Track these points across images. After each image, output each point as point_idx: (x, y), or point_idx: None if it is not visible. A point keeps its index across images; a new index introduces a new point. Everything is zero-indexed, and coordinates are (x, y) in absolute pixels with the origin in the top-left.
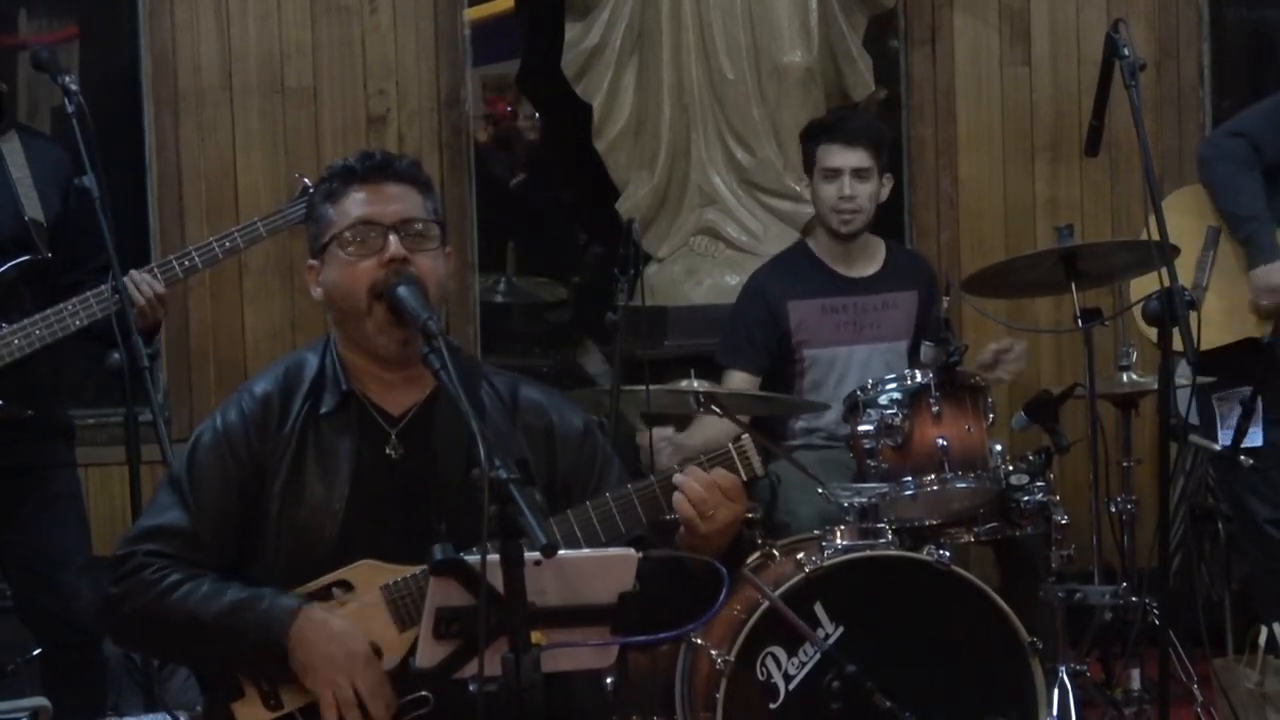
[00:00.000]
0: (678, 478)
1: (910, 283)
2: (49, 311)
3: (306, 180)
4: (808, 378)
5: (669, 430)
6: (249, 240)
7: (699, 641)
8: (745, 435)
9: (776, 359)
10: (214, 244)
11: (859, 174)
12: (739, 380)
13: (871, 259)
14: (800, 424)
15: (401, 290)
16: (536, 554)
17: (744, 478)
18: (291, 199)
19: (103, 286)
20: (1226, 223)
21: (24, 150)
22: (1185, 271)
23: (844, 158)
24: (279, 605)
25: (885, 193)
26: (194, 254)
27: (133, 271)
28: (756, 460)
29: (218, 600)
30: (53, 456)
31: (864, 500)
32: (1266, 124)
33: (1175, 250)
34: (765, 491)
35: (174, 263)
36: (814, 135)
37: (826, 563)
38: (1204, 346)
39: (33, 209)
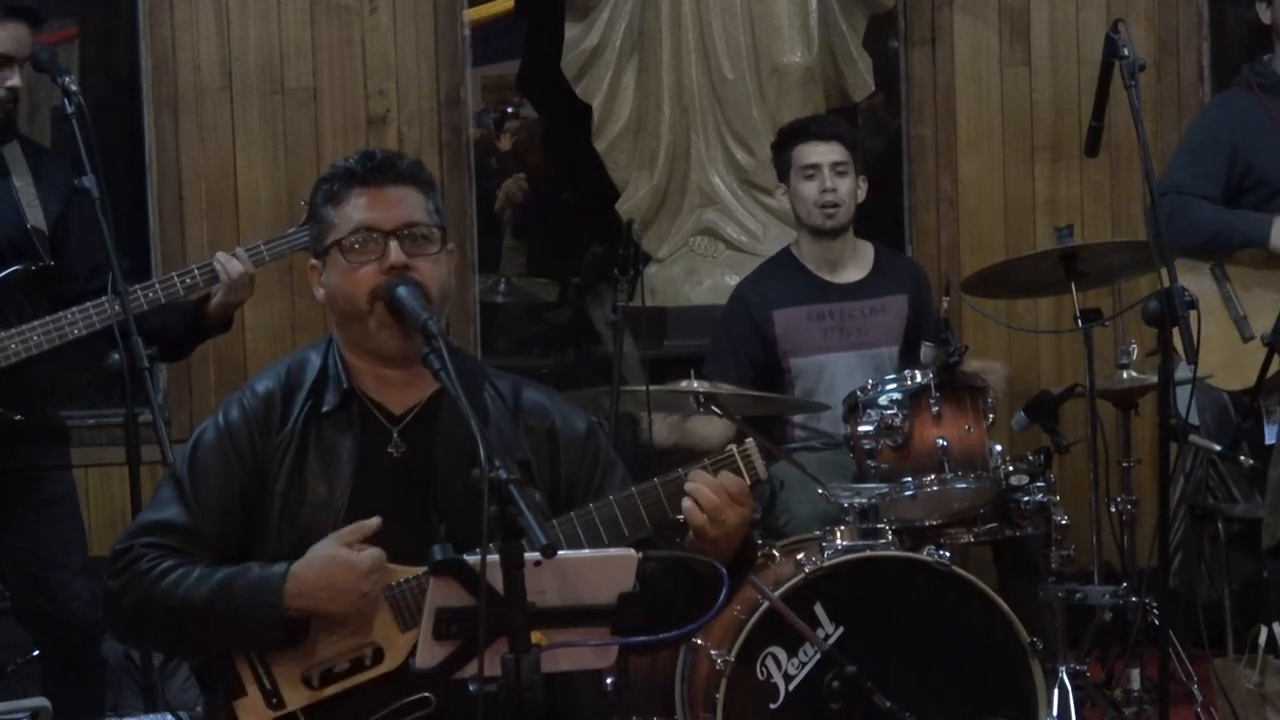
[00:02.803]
0: (689, 485)
1: (900, 287)
2: (48, 318)
3: None
4: (798, 387)
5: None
6: (252, 263)
7: (699, 642)
8: (749, 439)
9: (762, 370)
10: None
11: (837, 168)
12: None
13: (859, 264)
14: (800, 430)
15: (401, 290)
16: (536, 554)
17: (748, 481)
18: (297, 225)
19: (103, 298)
20: (1220, 250)
21: (26, 159)
22: (1219, 320)
23: (821, 153)
24: (269, 571)
25: (862, 194)
26: (195, 271)
27: (220, 253)
28: (760, 463)
29: (208, 581)
30: (48, 459)
31: (864, 501)
32: (1182, 170)
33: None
34: (764, 495)
35: (175, 279)
36: (787, 139)
37: (826, 563)
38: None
39: (35, 217)
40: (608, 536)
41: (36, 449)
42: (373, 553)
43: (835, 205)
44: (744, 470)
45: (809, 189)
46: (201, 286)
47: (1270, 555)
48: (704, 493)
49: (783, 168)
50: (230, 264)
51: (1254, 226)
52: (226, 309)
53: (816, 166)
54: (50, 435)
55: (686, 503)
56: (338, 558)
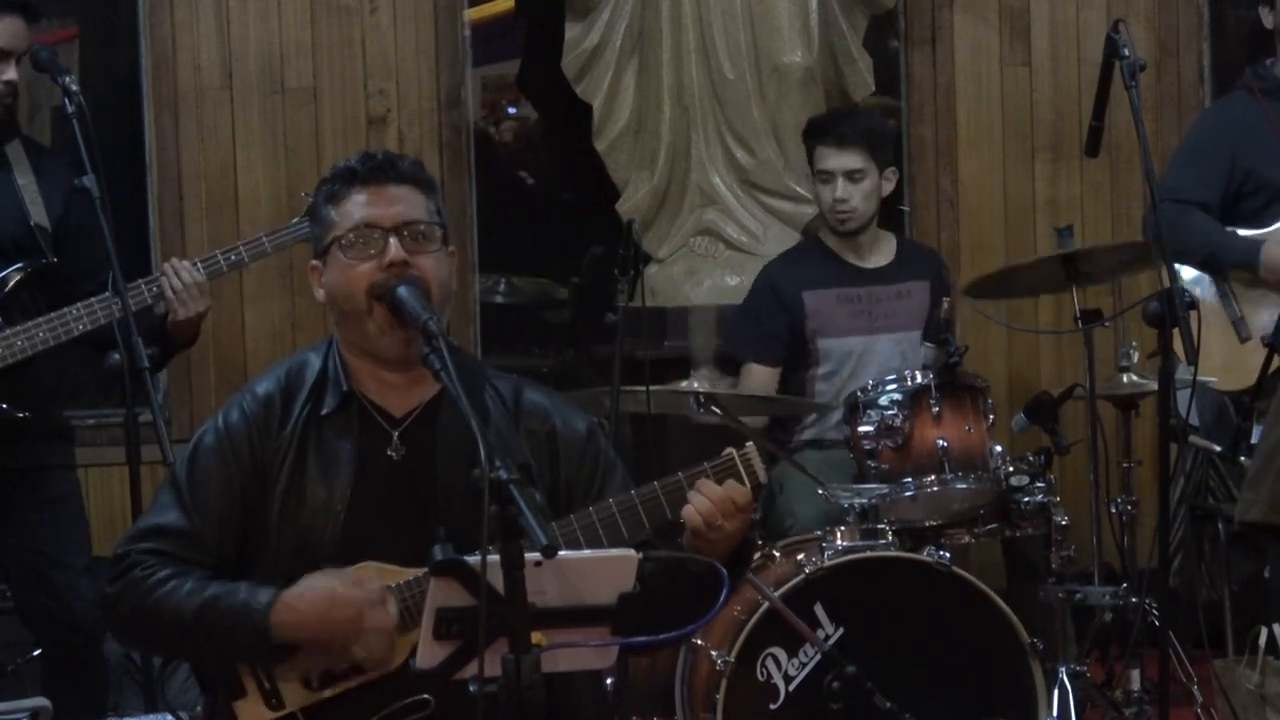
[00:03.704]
0: (691, 494)
1: (922, 273)
2: (53, 315)
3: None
4: (821, 368)
5: None
6: (254, 256)
7: (699, 642)
8: (750, 443)
9: (791, 350)
10: (219, 256)
11: (851, 176)
12: (758, 373)
13: (883, 251)
14: (809, 432)
15: (402, 291)
16: (537, 554)
17: (748, 486)
18: (299, 216)
19: (106, 294)
20: (1211, 268)
21: (29, 158)
22: (1217, 321)
23: (836, 160)
24: (254, 599)
25: (889, 186)
26: (199, 265)
27: (172, 260)
28: (760, 468)
29: (198, 596)
30: (52, 458)
31: (864, 501)
32: (1181, 175)
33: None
34: (765, 497)
35: (142, 285)
36: (811, 135)
37: (826, 563)
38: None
39: (38, 215)
40: (608, 540)
41: (40, 448)
42: (373, 589)
43: (848, 213)
44: (744, 475)
45: (824, 192)
46: (149, 300)
47: (1246, 528)
48: (703, 502)
49: (808, 158)
50: (175, 276)
51: (1245, 251)
52: (184, 326)
53: (830, 174)
54: (54, 435)
55: (686, 509)
56: (336, 595)
